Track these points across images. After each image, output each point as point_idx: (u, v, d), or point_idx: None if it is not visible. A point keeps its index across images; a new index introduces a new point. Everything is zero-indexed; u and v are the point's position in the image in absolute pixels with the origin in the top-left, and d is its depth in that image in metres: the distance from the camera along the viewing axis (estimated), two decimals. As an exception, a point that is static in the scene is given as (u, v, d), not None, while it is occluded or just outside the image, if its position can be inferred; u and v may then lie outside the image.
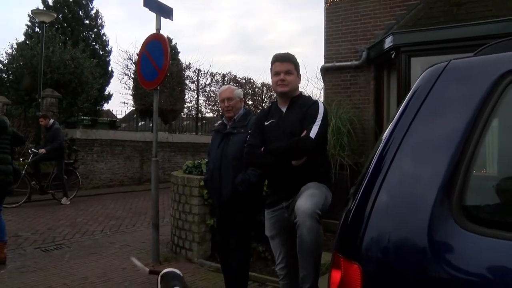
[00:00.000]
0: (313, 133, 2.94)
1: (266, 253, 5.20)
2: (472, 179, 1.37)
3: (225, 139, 3.88)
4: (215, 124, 4.38)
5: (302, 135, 2.97)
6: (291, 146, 3.02)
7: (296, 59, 3.29)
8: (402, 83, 6.33)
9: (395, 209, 1.41)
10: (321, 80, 8.56)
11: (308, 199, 2.82)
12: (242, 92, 4.14)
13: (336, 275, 1.48)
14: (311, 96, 3.37)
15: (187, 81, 21.07)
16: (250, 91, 22.60)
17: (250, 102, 22.69)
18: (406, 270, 1.34)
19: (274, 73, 3.24)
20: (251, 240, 4.24)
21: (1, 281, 4.88)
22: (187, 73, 20.99)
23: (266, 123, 3.26)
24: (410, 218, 1.37)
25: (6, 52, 17.72)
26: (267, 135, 3.23)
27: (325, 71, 8.07)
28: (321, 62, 8.50)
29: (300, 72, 3.34)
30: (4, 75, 17.82)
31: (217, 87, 20.57)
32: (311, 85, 40.30)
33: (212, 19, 65.26)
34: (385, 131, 1.62)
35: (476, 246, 1.29)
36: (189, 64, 21.03)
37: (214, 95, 20.48)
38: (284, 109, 3.24)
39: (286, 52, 3.33)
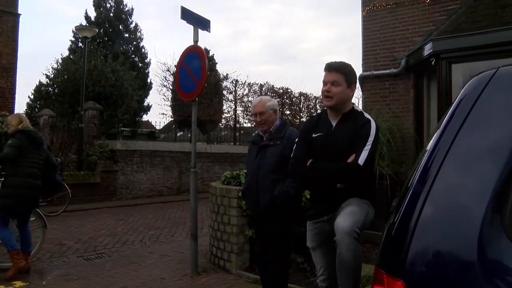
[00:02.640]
0: (361, 159, 2.83)
1: (305, 265, 5.15)
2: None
3: (262, 151, 3.86)
4: (253, 135, 4.37)
5: (350, 160, 2.87)
6: (337, 170, 2.95)
7: (349, 69, 3.07)
8: (442, 91, 6.15)
9: (441, 222, 1.34)
10: (359, 88, 8.45)
11: (347, 217, 2.79)
12: (276, 103, 4.08)
13: (379, 291, 1.43)
14: (363, 112, 3.18)
15: (224, 92, 21.20)
16: (287, 101, 22.52)
17: (288, 112, 22.59)
18: (453, 288, 1.28)
19: (323, 82, 3.07)
20: (290, 252, 4.20)
21: (49, 287, 5.04)
22: (224, 83, 21.13)
23: (314, 135, 3.13)
24: (458, 232, 1.30)
25: (52, 67, 18.44)
26: (314, 147, 3.12)
27: (363, 79, 7.95)
28: (359, 70, 8.38)
29: (356, 86, 3.13)
30: (50, 89, 18.54)
31: (254, 97, 20.58)
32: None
33: (246, 29, 65.94)
34: (429, 141, 1.56)
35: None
36: (227, 75, 21.15)
37: (251, 106, 20.30)
38: (334, 123, 3.09)
39: (340, 61, 3.11)
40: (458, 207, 1.34)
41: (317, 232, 3.21)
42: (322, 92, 3.07)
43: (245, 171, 4.40)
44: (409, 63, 7.17)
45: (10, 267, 5.30)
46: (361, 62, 8.03)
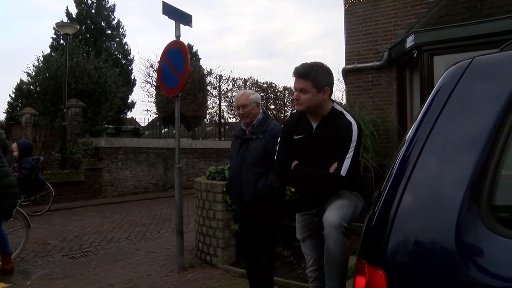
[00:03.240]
0: (344, 170, 2.79)
1: (292, 258, 5.17)
2: (501, 179, 1.32)
3: (245, 144, 3.87)
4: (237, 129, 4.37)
5: (332, 170, 2.84)
6: (320, 179, 2.95)
7: (317, 73, 2.91)
8: (425, 82, 6.21)
9: (420, 211, 1.36)
10: (343, 82, 8.49)
11: (335, 212, 2.81)
12: (259, 97, 4.09)
13: (361, 282, 1.44)
14: (344, 112, 3.04)
15: (209, 87, 21.17)
16: (272, 95, 22.58)
17: (273, 107, 22.66)
18: (433, 275, 1.29)
19: (294, 88, 3.01)
20: (275, 245, 4.21)
21: (33, 287, 4.99)
22: (208, 79, 21.09)
23: (295, 137, 3.10)
24: (436, 220, 1.32)
25: (33, 65, 18.19)
26: (297, 149, 3.09)
27: (346, 72, 7.99)
28: (342, 64, 8.42)
29: (330, 87, 2.98)
30: (31, 87, 18.30)
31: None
32: (334, 87, 39.70)
33: (232, 24, 65.71)
34: (408, 131, 1.57)
35: (506, 250, 1.23)
36: (211, 70, 21.10)
37: (234, 99, 20.30)
38: (314, 125, 3.04)
39: (307, 63, 2.97)
40: (437, 196, 1.35)
41: (306, 224, 3.24)
42: (294, 97, 3.03)
43: (229, 165, 4.39)
44: (392, 55, 7.22)
45: None
46: (344, 55, 8.07)
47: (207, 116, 21.68)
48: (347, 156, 2.80)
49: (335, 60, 54.90)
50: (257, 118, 3.93)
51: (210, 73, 21.01)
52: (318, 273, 3.21)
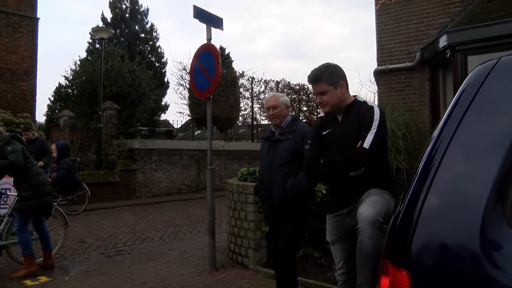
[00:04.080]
0: (367, 143, 2.87)
1: (322, 260, 5.15)
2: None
3: (274, 145, 3.92)
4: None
5: (357, 146, 2.91)
6: (346, 158, 2.98)
7: (329, 72, 3.09)
8: (458, 83, 6.08)
9: (444, 211, 1.36)
10: (375, 83, 8.41)
11: (370, 206, 2.81)
12: (288, 99, 4.14)
13: (385, 282, 1.45)
14: (367, 101, 3.23)
15: (241, 90, 21.25)
16: (304, 97, 22.47)
17: (305, 109, 22.52)
18: (456, 276, 1.29)
19: (314, 94, 3.19)
20: (299, 246, 4.23)
21: (71, 282, 5.18)
22: (241, 81, 21.18)
23: (323, 133, 3.21)
24: (461, 220, 1.32)
25: (70, 69, 18.76)
26: (325, 145, 3.19)
27: (378, 74, 7.91)
28: (374, 65, 8.34)
29: (345, 80, 3.12)
30: (69, 90, 18.86)
31: (271, 94, 20.30)
32: (365, 89, 39.13)
33: (262, 27, 65.80)
34: (434, 131, 1.58)
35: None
36: (243, 72, 21.17)
37: (264, 100, 20.14)
38: (340, 118, 3.17)
39: (317, 68, 3.13)
40: (461, 196, 1.35)
41: (336, 226, 3.22)
42: (318, 103, 3.19)
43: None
44: (424, 56, 7.10)
45: (21, 267, 5.40)
46: (376, 57, 7.99)
47: (240, 118, 21.77)
48: (370, 132, 2.89)
49: (368, 61, 54.29)
50: (286, 119, 3.98)
51: (242, 75, 21.09)
52: (347, 276, 3.19)
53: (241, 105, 21.37)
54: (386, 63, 7.73)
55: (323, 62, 3.19)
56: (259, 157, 4.22)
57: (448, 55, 6.29)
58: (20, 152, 5.29)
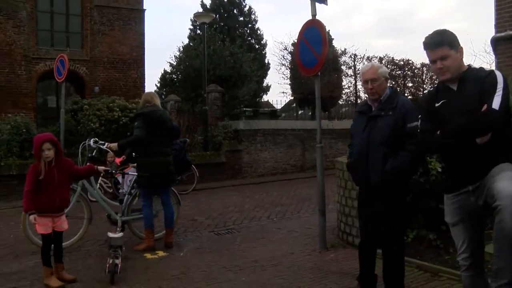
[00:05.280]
0: (496, 104, 2.56)
1: (438, 242, 4.82)
2: None
3: (371, 122, 3.60)
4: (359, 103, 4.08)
5: (482, 110, 2.58)
6: (472, 123, 2.64)
7: (448, 35, 2.84)
8: None
9: None
10: (492, 53, 7.56)
11: (511, 181, 2.44)
12: (387, 70, 3.75)
13: None
14: (482, 67, 2.91)
15: (343, 67, 20.70)
16: (409, 72, 21.43)
17: (410, 84, 21.64)
18: None
19: (431, 61, 2.88)
20: (404, 230, 3.99)
21: (186, 258, 5.35)
22: (343, 58, 20.61)
23: (437, 105, 2.89)
24: None
25: (174, 56, 19.54)
26: (440, 117, 2.87)
27: (496, 41, 7.08)
28: (488, 34, 7.52)
29: (461, 46, 2.85)
30: (173, 76, 19.72)
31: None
32: (479, 60, 36.02)
33: (356, 3, 63.38)
34: None
35: None
36: (345, 49, 20.60)
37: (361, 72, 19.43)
38: (455, 87, 2.86)
39: (435, 32, 2.89)
40: None
41: (459, 206, 2.87)
42: (434, 70, 2.89)
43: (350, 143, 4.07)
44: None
45: (142, 241, 5.73)
46: (493, 23, 7.14)
47: (343, 96, 21.24)
48: (496, 94, 2.61)
49: (475, 31, 49.97)
50: (385, 93, 3.61)
51: (344, 52, 20.52)
52: (471, 260, 2.88)
53: (344, 83, 20.88)
54: (506, 29, 6.87)
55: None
56: (352, 131, 3.90)
57: None
58: (143, 128, 5.53)
